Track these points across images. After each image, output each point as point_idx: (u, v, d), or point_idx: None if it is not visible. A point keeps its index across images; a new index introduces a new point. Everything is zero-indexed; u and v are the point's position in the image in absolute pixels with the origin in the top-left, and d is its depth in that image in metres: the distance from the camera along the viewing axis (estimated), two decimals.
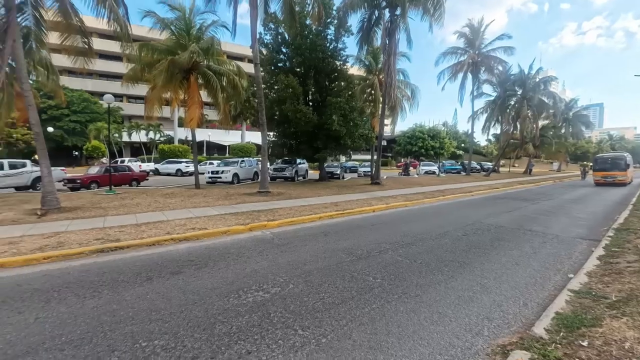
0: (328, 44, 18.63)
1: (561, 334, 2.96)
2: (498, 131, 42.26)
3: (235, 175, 19.98)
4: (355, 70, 24.96)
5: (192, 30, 15.27)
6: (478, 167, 40.87)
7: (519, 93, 34.71)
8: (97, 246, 5.79)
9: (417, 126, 47.43)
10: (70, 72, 35.24)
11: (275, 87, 18.00)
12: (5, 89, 12.23)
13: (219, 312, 3.42)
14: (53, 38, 12.17)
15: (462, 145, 60.05)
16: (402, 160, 48.26)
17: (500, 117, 36.69)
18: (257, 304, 3.64)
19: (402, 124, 61.45)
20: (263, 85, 15.42)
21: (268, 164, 15.05)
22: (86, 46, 11.64)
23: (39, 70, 13.34)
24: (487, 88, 35.33)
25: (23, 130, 27.29)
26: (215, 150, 47.99)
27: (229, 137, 44.86)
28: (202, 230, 7.03)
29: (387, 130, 36.49)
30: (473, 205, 12.27)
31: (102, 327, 3.12)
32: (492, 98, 36.08)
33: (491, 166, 38.59)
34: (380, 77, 23.76)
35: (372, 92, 25.00)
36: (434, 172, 32.51)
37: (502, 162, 49.37)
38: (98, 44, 18.62)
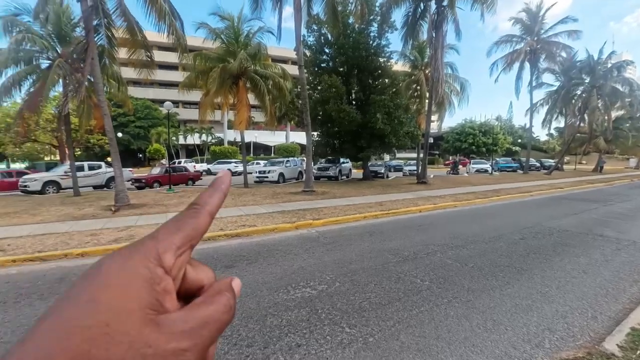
0: (371, 42, 18.39)
1: (638, 352, 2.65)
2: (561, 124, 38.12)
3: (281, 174, 20.64)
4: (399, 66, 24.30)
5: (240, 38, 16.07)
6: (537, 164, 37.34)
7: (586, 81, 30.97)
8: None
9: (466, 122, 44.71)
10: (135, 82, 39.03)
11: (319, 88, 18.23)
12: (85, 101, 14.02)
13: (269, 305, 3.62)
14: (122, 53, 13.69)
15: (519, 141, 55.30)
16: (451, 158, 45.88)
17: (564, 109, 33.07)
18: (305, 299, 3.77)
19: (450, 120, 58.47)
20: (307, 87, 15.72)
21: (312, 163, 15.33)
22: (149, 59, 12.89)
23: (111, 82, 15.06)
24: (547, 77, 32.15)
25: (98, 136, 30.97)
26: (262, 150, 49.95)
27: (274, 138, 46.41)
28: (252, 227, 7.42)
29: (434, 127, 34.92)
30: (532, 207, 11.29)
31: None
32: (554, 88, 32.65)
33: (553, 163, 34.98)
34: (427, 72, 22.85)
35: (418, 88, 24.14)
36: (486, 171, 30.41)
37: (566, 158, 44.55)
38: (158, 55, 20.43)
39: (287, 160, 22.90)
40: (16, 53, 12.76)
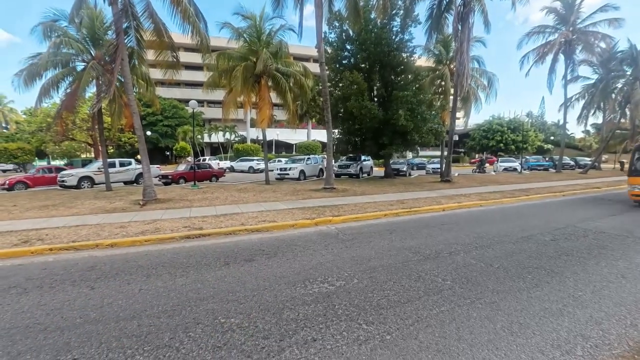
0: (394, 37, 18.04)
1: None
2: (599, 120, 35.66)
3: (302, 172, 20.75)
4: (423, 61, 23.68)
5: (262, 36, 16.25)
6: (572, 163, 35.18)
7: (628, 73, 28.73)
8: (184, 233, 6.63)
9: (494, 118, 42.92)
10: (162, 83, 40.55)
11: (340, 85, 18.13)
12: (116, 100, 14.72)
13: (287, 299, 3.63)
14: (149, 55, 14.23)
15: (552, 138, 52.43)
16: (477, 156, 44.25)
17: (602, 104, 30.90)
18: (322, 295, 3.75)
19: (477, 117, 56.30)
20: (328, 84, 15.66)
21: (333, 161, 15.28)
22: (175, 59, 13.32)
23: (140, 82, 15.71)
24: (584, 70, 30.20)
25: (129, 135, 32.51)
26: (283, 148, 50.48)
27: (295, 136, 46.78)
28: (272, 223, 7.50)
29: (459, 124, 33.84)
30: (565, 207, 10.66)
31: (189, 302, 3.58)
32: (591, 81, 30.54)
33: (589, 162, 32.86)
34: (452, 66, 22.11)
35: (442, 83, 23.42)
36: (515, 169, 29.07)
37: (604, 157, 41.66)
38: (183, 56, 21.09)
39: (308, 158, 22.99)
40: (55, 56, 13.58)
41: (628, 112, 30.49)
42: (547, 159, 37.09)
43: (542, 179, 20.80)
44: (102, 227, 7.24)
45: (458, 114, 22.91)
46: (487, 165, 29.62)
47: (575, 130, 74.28)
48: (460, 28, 16.22)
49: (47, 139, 30.90)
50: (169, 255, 5.45)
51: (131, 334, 2.98)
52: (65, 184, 16.73)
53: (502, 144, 40.26)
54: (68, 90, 14.28)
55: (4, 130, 46.45)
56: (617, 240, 6.26)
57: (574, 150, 53.70)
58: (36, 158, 36.80)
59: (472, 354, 2.65)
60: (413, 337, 2.88)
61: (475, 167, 30.06)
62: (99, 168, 17.24)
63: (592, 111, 31.79)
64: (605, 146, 35.13)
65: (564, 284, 4.11)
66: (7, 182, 16.79)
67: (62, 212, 9.16)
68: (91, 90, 15.92)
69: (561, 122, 36.41)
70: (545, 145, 50.04)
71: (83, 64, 14.43)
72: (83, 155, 36.14)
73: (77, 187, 16.72)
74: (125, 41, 12.09)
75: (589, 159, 36.58)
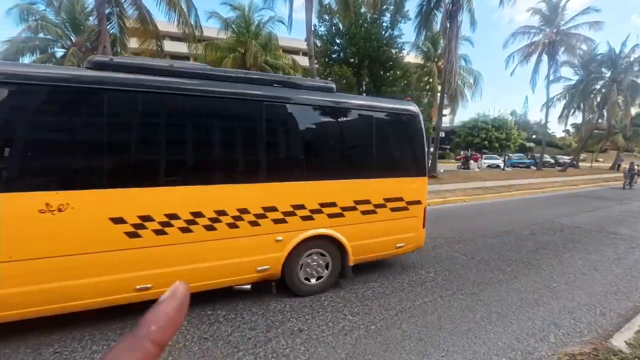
0: (383, 32, 18.08)
1: None
2: (579, 120, 36.96)
3: None
4: (412, 57, 23.86)
5: (251, 27, 16.03)
6: (552, 161, 36.41)
7: (606, 75, 29.82)
8: None
9: (479, 116, 43.80)
10: None
11: (329, 79, 18.09)
12: None
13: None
14: (133, 43, 13.80)
15: (534, 136, 53.98)
16: (462, 152, 45.12)
17: (582, 104, 32.02)
18: None
19: (463, 114, 57.31)
20: (317, 77, 15.59)
21: None
22: (159, 49, 12.96)
23: None
24: (566, 71, 31.10)
25: None
26: None
27: None
28: None
29: (445, 121, 34.40)
30: (544, 203, 11.06)
31: None
32: (572, 82, 31.58)
33: (568, 160, 34.11)
34: (439, 64, 22.38)
35: (430, 80, 23.70)
36: (498, 166, 29.86)
37: (582, 155, 43.24)
38: (169, 46, 20.48)
39: None
40: (32, 41, 12.99)
41: (605, 113, 31.75)
42: (529, 156, 38.29)
43: (523, 176, 21.45)
44: None
45: (445, 111, 23.28)
46: (471, 162, 30.26)
47: (557, 129, 76.81)
48: (449, 25, 16.40)
49: None
50: None
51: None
52: None
53: (486, 142, 41.09)
54: None
55: None
56: (591, 235, 6.56)
57: (555, 148, 55.58)
58: None
59: (452, 342, 2.76)
60: (397, 327, 2.97)
61: (460, 164, 30.70)
62: None
63: (572, 111, 32.98)
64: (583, 145, 36.51)
65: (540, 276, 4.30)
66: None
67: None
68: None
69: (543, 121, 37.60)
70: (528, 144, 51.53)
71: (63, 50, 13.88)
72: None
73: None
74: (108, 27, 11.67)
75: (568, 157, 37.96)
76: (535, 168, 30.97)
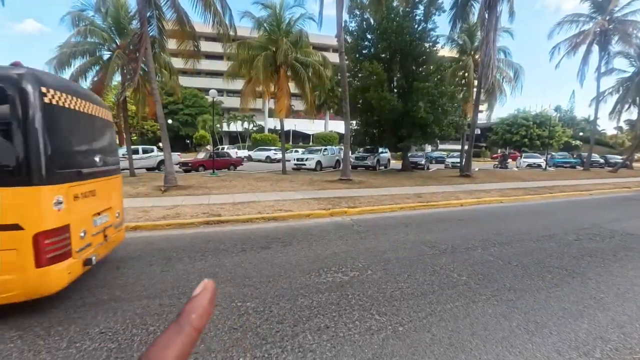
0: (416, 25, 17.52)
1: None
2: (633, 116, 33.55)
3: (318, 162, 20.78)
4: (446, 51, 22.93)
5: (282, 25, 16.17)
6: (601, 160, 33.47)
7: None
8: (204, 219, 6.83)
9: (519, 112, 41.23)
10: (184, 72, 41.25)
11: (359, 75, 17.87)
12: (140, 89, 15.12)
13: (301, 287, 3.71)
14: (171, 44, 14.47)
15: (581, 134, 49.93)
16: (499, 151, 42.82)
17: (638, 99, 29.05)
18: (336, 284, 3.81)
19: (501, 110, 54.17)
20: (347, 74, 15.48)
21: (350, 152, 15.21)
22: (196, 49, 13.49)
23: (163, 72, 16.04)
24: (620, 63, 28.26)
25: (151, 122, 33.46)
26: (300, 138, 50.54)
27: (313, 127, 46.64)
28: (288, 212, 7.60)
29: (482, 117, 32.71)
30: (591, 207, 10.22)
31: None
32: (627, 74, 28.67)
33: (621, 160, 31.16)
34: (476, 57, 21.31)
35: (466, 74, 22.65)
36: (539, 166, 27.99)
37: (637, 155, 39.37)
38: (204, 46, 21.25)
39: (325, 149, 22.97)
40: (82, 45, 14.05)
41: None
42: (574, 155, 35.43)
43: (567, 176, 19.96)
44: (126, 210, 7.53)
45: (481, 107, 22.17)
46: (509, 160, 28.62)
47: (607, 126, 70.17)
48: (487, 16, 15.55)
49: None
50: (189, 239, 5.65)
51: (153, 312, 3.14)
52: None
53: (526, 139, 38.69)
54: (95, 79, 14.79)
55: None
56: None
57: (604, 147, 51.00)
58: None
59: (485, 350, 2.63)
60: (426, 330, 2.89)
61: (497, 163, 29.16)
62: (123, 155, 17.87)
63: (627, 106, 29.89)
64: (638, 144, 33.14)
65: (585, 285, 3.98)
66: None
67: None
68: (117, 79, 16.40)
69: (592, 118, 34.59)
70: (573, 142, 47.75)
71: (109, 53, 14.86)
72: None
73: None
74: (148, 30, 12.32)
75: (620, 157, 34.69)
76: (581, 168, 28.66)
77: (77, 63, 14.19)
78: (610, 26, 25.09)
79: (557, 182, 16.35)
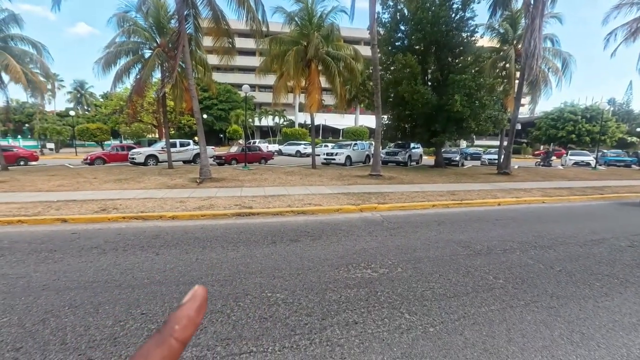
0: (453, 14, 16.68)
1: None
2: None
3: (348, 157, 20.65)
4: (485, 41, 21.62)
5: (314, 19, 16.09)
6: None
7: None
8: (236, 210, 7.05)
9: (566, 105, 38.12)
10: (217, 68, 42.57)
11: (392, 68, 17.39)
12: (178, 85, 15.82)
13: (330, 281, 3.72)
14: (206, 41, 14.95)
15: (638, 130, 45.28)
16: (542, 147, 39.97)
17: None
18: (365, 280, 3.78)
19: (545, 104, 50.42)
20: (379, 67, 15.13)
21: (380, 147, 14.94)
22: (230, 45, 13.83)
23: (199, 68, 16.65)
24: None
25: (187, 117, 35.00)
26: (330, 133, 50.47)
27: (343, 121, 46.36)
28: (317, 206, 7.64)
29: (523, 111, 30.68)
30: None
31: (239, 274, 3.85)
32: None
33: None
34: (519, 47, 19.91)
35: (507, 65, 21.26)
36: (587, 164, 25.81)
37: None
38: (238, 42, 21.75)
39: (355, 144, 22.75)
40: (126, 45, 14.93)
41: None
42: (630, 153, 32.19)
43: (621, 176, 18.23)
44: (165, 200, 8.00)
45: (523, 100, 20.76)
46: (553, 158, 26.61)
47: None
48: (532, 2, 14.45)
49: (120, 120, 34.58)
50: (222, 230, 5.86)
51: None
52: (135, 160, 18.67)
53: (574, 135, 35.74)
54: (137, 76, 15.68)
55: (86, 112, 52.82)
56: None
57: None
58: (111, 137, 41.37)
59: (522, 358, 2.49)
60: (458, 333, 2.79)
61: (539, 160, 27.28)
62: (162, 147, 18.90)
63: None
64: None
65: None
66: (89, 157, 19.22)
67: (133, 186, 10.28)
68: (156, 76, 17.28)
69: None
70: (630, 138, 43.39)
71: (150, 51, 15.66)
72: (149, 136, 39.79)
73: (144, 164, 18.56)
74: (185, 28, 12.81)
75: None
76: (638, 167, 26.03)
77: (122, 62, 15.11)
78: None
79: (608, 182, 14.98)
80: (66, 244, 4.98)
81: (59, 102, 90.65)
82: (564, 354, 2.56)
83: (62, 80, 55.45)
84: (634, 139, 44.31)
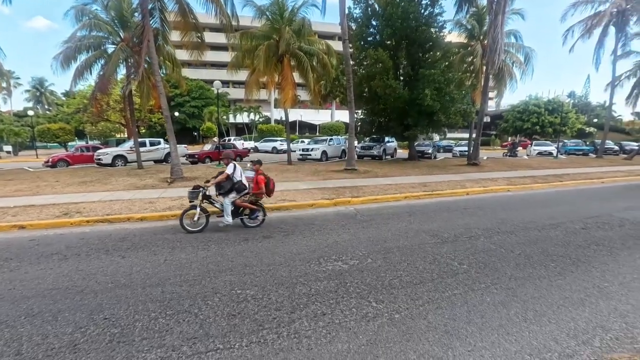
0: (422, 10, 17.03)
1: None
2: None
3: (324, 152, 20.70)
4: (453, 36, 22.29)
5: (285, 13, 15.89)
6: (616, 147, 32.51)
7: None
8: None
9: (531, 98, 40.13)
10: (189, 64, 41.10)
11: (365, 63, 17.54)
12: (144, 82, 15.16)
13: (300, 275, 3.75)
14: (175, 36, 14.40)
15: (595, 120, 48.45)
16: (509, 139, 41.89)
17: None
18: (335, 272, 3.84)
19: (511, 97, 52.80)
20: (352, 62, 15.22)
21: (355, 142, 15.08)
22: (199, 40, 13.41)
23: (166, 64, 16.04)
24: (637, 45, 26.95)
25: (159, 115, 33.69)
26: (307, 129, 50.32)
27: (319, 117, 46.29)
28: (291, 202, 7.64)
29: (491, 105, 31.97)
30: (602, 195, 10.00)
31: (209, 273, 3.79)
32: None
33: (636, 147, 30.23)
34: (485, 42, 20.68)
35: (474, 60, 22.05)
36: (550, 153, 27.35)
37: None
38: (208, 37, 21.10)
39: (330, 139, 22.84)
40: (87, 39, 14.09)
41: None
42: (587, 143, 34.49)
43: (579, 164, 19.49)
44: (133, 202, 7.70)
45: (490, 94, 21.63)
46: (519, 148, 27.97)
47: (624, 112, 67.65)
48: None
49: (84, 119, 32.75)
50: None
51: (155, 299, 3.22)
52: (101, 162, 17.77)
53: (538, 127, 37.75)
54: (101, 73, 14.87)
55: (47, 112, 49.61)
56: None
57: (620, 134, 49.45)
58: (76, 138, 39.14)
59: (480, 337, 2.64)
60: (422, 317, 2.90)
61: (506, 151, 28.62)
62: (131, 147, 18.10)
63: None
64: None
65: (589, 274, 3.93)
66: (51, 160, 18.10)
67: (98, 188, 9.81)
68: (122, 72, 16.47)
69: (607, 103, 33.52)
70: (587, 129, 46.42)
71: (113, 46, 14.87)
72: (117, 135, 37.96)
73: (112, 165, 17.71)
74: (151, 22, 12.29)
75: (636, 143, 33.66)
76: (594, 156, 27.95)
77: (83, 57, 14.25)
78: (628, 6, 24.00)
79: (568, 170, 15.99)
80: (23, 251, 4.70)
81: (17, 101, 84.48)
82: (518, 331, 2.74)
83: (18, 78, 51.79)
84: (592, 129, 47.47)
